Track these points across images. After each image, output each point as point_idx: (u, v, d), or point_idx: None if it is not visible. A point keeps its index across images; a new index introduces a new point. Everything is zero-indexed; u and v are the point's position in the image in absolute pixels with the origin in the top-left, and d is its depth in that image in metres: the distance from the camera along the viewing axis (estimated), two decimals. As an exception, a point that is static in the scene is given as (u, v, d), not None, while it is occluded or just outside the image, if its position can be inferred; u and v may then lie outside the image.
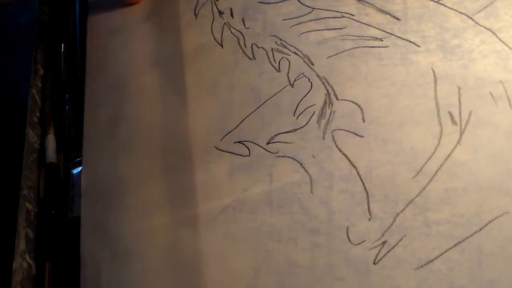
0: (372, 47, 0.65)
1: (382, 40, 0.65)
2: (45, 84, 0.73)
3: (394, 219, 0.56)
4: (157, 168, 0.62)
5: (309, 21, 0.67)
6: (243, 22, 0.69)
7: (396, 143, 0.59)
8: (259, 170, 0.60)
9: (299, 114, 0.62)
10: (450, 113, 0.60)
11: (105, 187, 0.62)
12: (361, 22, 0.67)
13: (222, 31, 0.69)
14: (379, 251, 0.55)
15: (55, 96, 0.72)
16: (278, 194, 0.59)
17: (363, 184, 0.58)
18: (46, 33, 0.76)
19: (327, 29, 0.67)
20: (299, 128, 0.61)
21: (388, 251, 0.55)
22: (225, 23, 0.69)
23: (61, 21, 0.77)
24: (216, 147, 0.62)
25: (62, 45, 0.75)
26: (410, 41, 0.65)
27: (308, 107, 0.62)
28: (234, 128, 0.62)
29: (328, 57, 0.65)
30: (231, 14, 0.70)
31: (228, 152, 0.62)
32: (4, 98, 0.75)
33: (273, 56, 0.65)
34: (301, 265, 0.55)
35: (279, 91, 0.63)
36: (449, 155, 0.58)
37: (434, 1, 0.67)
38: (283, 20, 0.68)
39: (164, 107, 0.65)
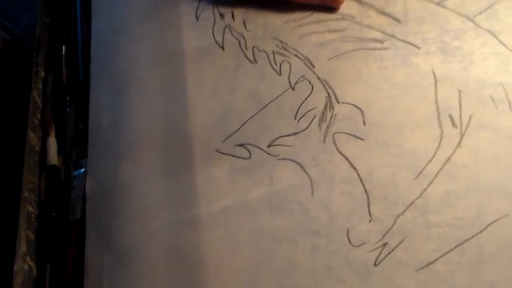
0: (373, 49, 0.65)
1: (383, 42, 0.65)
2: (46, 87, 0.73)
3: (395, 221, 0.56)
4: (159, 170, 0.62)
5: (310, 23, 0.67)
6: (244, 24, 0.69)
7: (396, 146, 0.59)
8: (260, 172, 0.60)
9: (300, 118, 0.62)
10: (450, 116, 0.60)
11: (109, 190, 0.62)
12: (362, 24, 0.67)
13: (223, 33, 0.69)
14: (380, 253, 0.55)
15: (56, 98, 0.72)
16: (279, 196, 0.59)
17: (364, 186, 0.58)
18: (47, 35, 0.76)
19: (328, 31, 0.67)
20: (300, 132, 0.61)
21: (389, 253, 0.55)
22: (226, 25, 0.69)
23: (62, 23, 0.77)
24: (217, 150, 0.62)
25: (63, 47, 0.75)
26: (411, 43, 0.65)
27: (309, 111, 0.62)
28: (235, 131, 0.62)
29: (329, 59, 0.65)
30: (232, 17, 0.70)
31: (229, 154, 0.62)
32: (5, 100, 0.75)
33: (274, 59, 0.66)
34: (302, 267, 0.56)
35: (280, 95, 0.63)
36: (449, 158, 0.58)
37: (435, 3, 0.67)
38: (284, 22, 0.68)
39: (165, 109, 0.65)
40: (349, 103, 0.62)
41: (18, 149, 0.66)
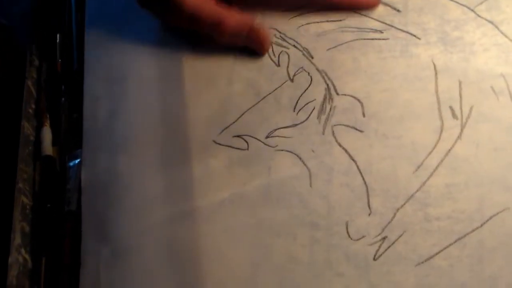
0: (372, 39, 0.64)
1: (382, 32, 0.65)
2: (40, 76, 0.72)
3: (394, 214, 0.56)
4: (156, 162, 0.61)
5: (308, 12, 0.66)
6: (242, 14, 0.68)
7: (396, 138, 0.59)
8: (258, 163, 0.60)
9: (299, 110, 0.61)
10: (451, 107, 0.59)
11: (104, 182, 0.61)
12: (361, 14, 0.66)
13: (221, 23, 0.68)
14: (379, 247, 0.55)
15: (51, 87, 0.72)
16: (277, 188, 0.58)
17: (363, 178, 0.58)
18: (42, 23, 0.75)
19: (327, 21, 0.66)
20: (299, 123, 0.61)
21: (388, 247, 0.55)
22: (224, 15, 0.68)
23: (57, 11, 0.76)
24: (214, 141, 0.61)
25: (58, 36, 0.74)
26: (411, 33, 0.64)
27: (308, 103, 0.62)
28: (233, 123, 0.62)
29: (328, 50, 0.64)
30: (230, 6, 0.69)
31: (226, 146, 0.61)
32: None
33: (273, 50, 0.65)
34: (301, 260, 0.55)
35: (279, 87, 0.63)
36: (449, 150, 0.58)
37: (435, -7, 0.66)
38: (282, 11, 0.67)
39: (162, 99, 0.64)
40: (348, 95, 0.61)
41: (12, 139, 0.65)
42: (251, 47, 0.65)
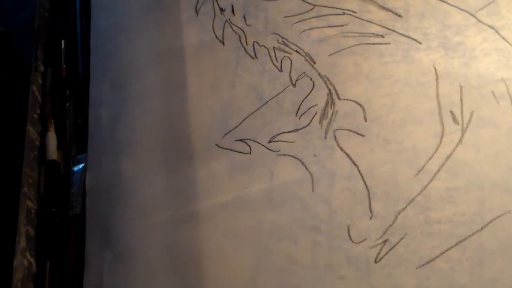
0: (374, 44, 0.65)
1: (384, 37, 0.65)
2: (45, 81, 0.72)
3: (396, 218, 0.56)
4: (159, 166, 0.62)
5: (310, 18, 0.67)
6: (244, 19, 0.68)
7: (397, 142, 0.59)
8: (260, 168, 0.60)
9: (301, 115, 0.62)
10: (451, 112, 0.60)
11: (108, 186, 0.62)
12: (363, 19, 0.66)
13: (223, 28, 0.68)
14: (380, 250, 0.55)
15: (56, 93, 0.72)
16: (279, 192, 0.59)
17: (365, 183, 0.58)
18: (47, 29, 0.75)
19: (329, 26, 0.66)
20: (301, 128, 0.61)
21: (389, 250, 0.55)
22: (226, 20, 0.69)
23: (61, 17, 0.77)
24: (217, 145, 0.62)
25: (63, 42, 0.74)
26: (412, 38, 0.64)
27: (310, 108, 0.62)
28: (236, 127, 0.62)
29: (330, 55, 0.65)
30: (232, 11, 0.69)
31: (229, 149, 0.61)
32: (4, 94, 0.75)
33: (275, 55, 0.65)
34: (302, 263, 0.55)
35: (281, 91, 0.63)
36: (450, 154, 0.58)
37: (436, -2, 0.67)
38: (284, 17, 0.67)
39: (165, 104, 0.65)
40: (350, 100, 0.62)
41: (17, 144, 0.66)
42: None
